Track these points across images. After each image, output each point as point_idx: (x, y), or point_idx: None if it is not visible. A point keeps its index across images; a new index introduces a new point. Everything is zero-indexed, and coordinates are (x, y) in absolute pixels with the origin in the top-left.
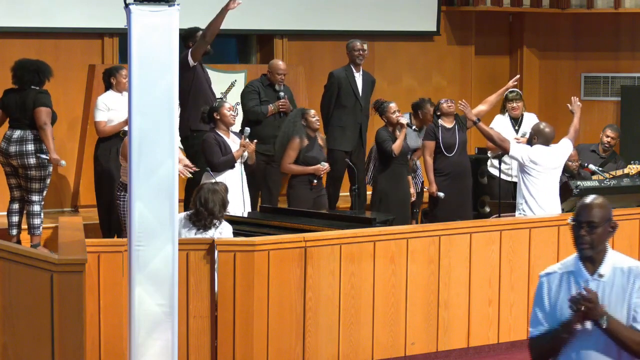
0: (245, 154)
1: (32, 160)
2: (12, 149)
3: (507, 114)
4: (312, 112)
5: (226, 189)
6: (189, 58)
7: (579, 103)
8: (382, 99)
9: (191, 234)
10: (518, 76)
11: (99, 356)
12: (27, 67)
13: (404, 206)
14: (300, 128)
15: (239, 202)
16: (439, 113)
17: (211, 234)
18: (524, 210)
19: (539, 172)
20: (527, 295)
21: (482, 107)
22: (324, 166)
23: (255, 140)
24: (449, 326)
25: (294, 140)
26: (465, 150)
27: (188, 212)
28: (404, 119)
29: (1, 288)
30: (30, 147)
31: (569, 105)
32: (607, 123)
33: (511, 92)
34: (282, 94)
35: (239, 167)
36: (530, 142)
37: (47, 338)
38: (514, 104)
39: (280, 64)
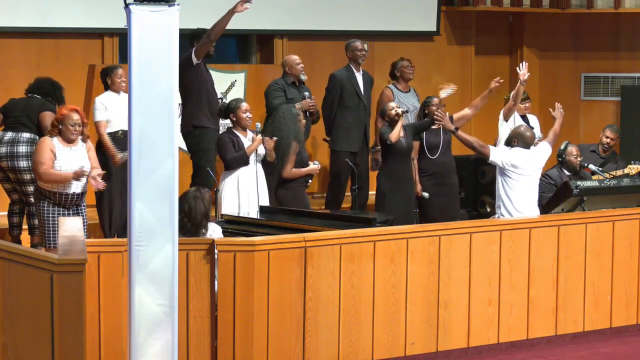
0: (260, 150)
1: (23, 164)
2: (3, 149)
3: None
4: (301, 114)
5: (210, 197)
6: (193, 56)
7: (561, 111)
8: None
9: None
10: (499, 78)
11: (99, 356)
12: (49, 81)
13: (406, 206)
14: (300, 132)
15: (253, 200)
16: (426, 112)
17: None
18: (502, 214)
19: (518, 174)
20: (527, 295)
21: (467, 111)
22: (317, 165)
23: (275, 138)
24: (449, 326)
25: (295, 144)
26: (450, 151)
27: None
28: (400, 109)
29: (1, 288)
30: (22, 149)
31: (551, 110)
32: (607, 123)
33: None
34: (306, 93)
35: (253, 165)
36: (509, 143)
37: (47, 338)
38: (527, 104)
39: (294, 57)
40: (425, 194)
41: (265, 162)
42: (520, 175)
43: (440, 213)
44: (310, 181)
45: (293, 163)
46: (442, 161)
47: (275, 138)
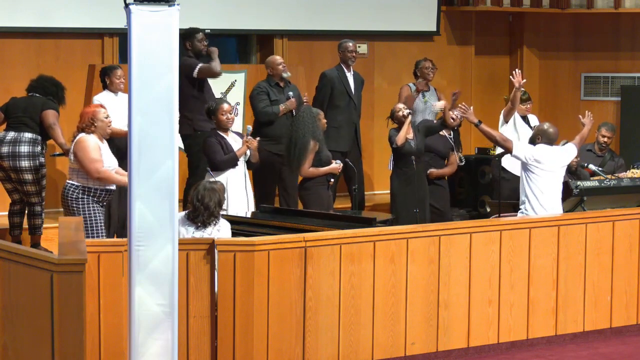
0: (248, 152)
1: (25, 163)
2: (5, 149)
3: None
4: (322, 113)
5: (223, 188)
6: (196, 73)
7: (591, 118)
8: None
9: (189, 232)
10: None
11: (99, 356)
12: (52, 81)
13: (415, 206)
14: (318, 131)
15: (243, 201)
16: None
17: (209, 232)
18: (526, 210)
19: (542, 170)
20: (527, 295)
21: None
22: (339, 164)
23: (258, 138)
24: (449, 326)
25: (312, 143)
26: (443, 161)
27: (186, 211)
28: (406, 110)
29: (1, 288)
30: (24, 149)
31: (580, 117)
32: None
33: (523, 94)
34: (290, 93)
35: (242, 166)
36: (533, 141)
37: (47, 338)
38: (528, 105)
39: (276, 57)
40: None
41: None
42: (543, 171)
43: (435, 215)
44: (332, 180)
45: (311, 162)
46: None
47: (258, 138)
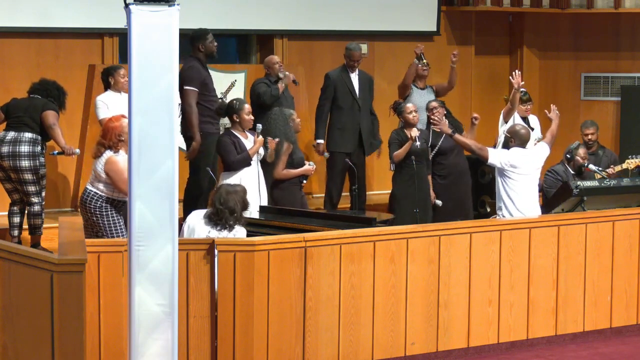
0: (261, 151)
1: (25, 163)
2: (5, 149)
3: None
4: (295, 113)
5: (244, 191)
6: (184, 90)
7: (557, 112)
8: (400, 100)
9: (205, 231)
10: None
11: (99, 356)
12: (54, 85)
13: (417, 206)
14: (291, 132)
15: (256, 200)
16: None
17: (225, 234)
18: (503, 216)
19: (518, 174)
20: (527, 295)
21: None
22: (312, 166)
23: (277, 139)
24: (449, 326)
25: (285, 145)
26: (462, 152)
27: (206, 213)
28: (414, 132)
29: (1, 288)
30: (24, 148)
31: (546, 111)
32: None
33: (523, 94)
34: (287, 73)
35: (255, 166)
36: (506, 144)
37: (47, 338)
38: (528, 106)
39: (273, 57)
40: (439, 202)
41: (261, 162)
42: (520, 175)
43: (456, 214)
44: (304, 181)
45: (284, 164)
46: (455, 163)
47: (277, 139)
